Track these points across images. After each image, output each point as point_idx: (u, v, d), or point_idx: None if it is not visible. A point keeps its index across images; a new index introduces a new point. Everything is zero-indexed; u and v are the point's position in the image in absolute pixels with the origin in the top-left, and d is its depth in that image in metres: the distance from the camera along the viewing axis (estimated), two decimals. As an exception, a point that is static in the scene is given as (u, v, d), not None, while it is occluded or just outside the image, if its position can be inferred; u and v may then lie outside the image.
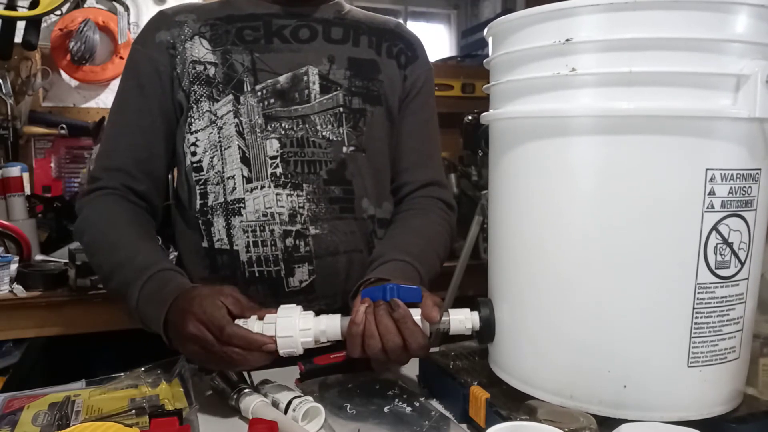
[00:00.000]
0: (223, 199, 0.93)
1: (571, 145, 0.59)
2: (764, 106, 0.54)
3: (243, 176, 0.92)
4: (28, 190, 1.88)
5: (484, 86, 0.72)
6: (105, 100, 2.42)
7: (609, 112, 0.57)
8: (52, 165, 2.14)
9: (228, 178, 0.93)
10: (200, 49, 0.94)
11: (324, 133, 0.94)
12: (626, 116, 0.56)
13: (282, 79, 0.93)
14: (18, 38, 1.93)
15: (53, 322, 1.47)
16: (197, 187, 0.95)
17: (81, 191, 0.96)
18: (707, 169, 0.56)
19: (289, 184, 0.91)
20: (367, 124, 0.97)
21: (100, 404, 0.69)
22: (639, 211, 0.57)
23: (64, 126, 2.07)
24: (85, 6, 2.17)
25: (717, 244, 0.57)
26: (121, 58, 2.31)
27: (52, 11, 1.92)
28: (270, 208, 0.91)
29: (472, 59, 2.61)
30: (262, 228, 0.91)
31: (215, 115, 0.93)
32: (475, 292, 1.85)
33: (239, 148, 0.92)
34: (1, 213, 1.66)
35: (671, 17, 0.54)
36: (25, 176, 1.85)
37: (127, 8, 2.28)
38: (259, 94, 0.93)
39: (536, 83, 0.61)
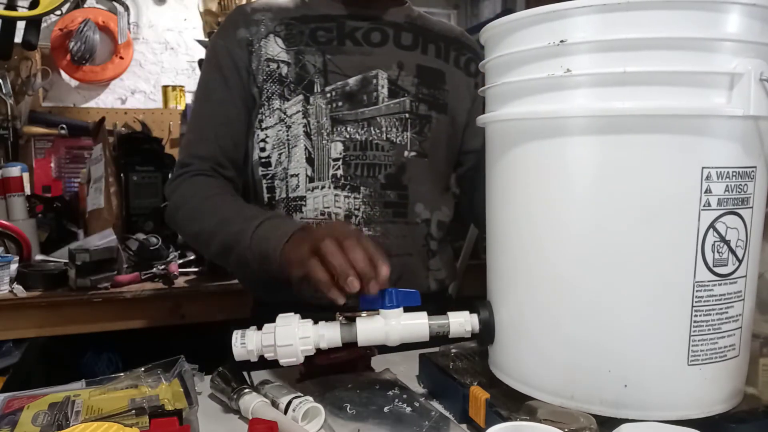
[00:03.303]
0: (285, 195, 0.96)
1: (567, 146, 0.59)
2: (758, 104, 0.54)
3: (307, 175, 0.95)
4: (28, 190, 1.88)
5: (480, 89, 0.72)
6: (105, 100, 2.42)
7: (604, 112, 0.57)
8: (52, 165, 2.15)
9: (292, 175, 0.96)
10: (274, 48, 0.96)
11: (388, 136, 0.96)
12: (621, 116, 0.56)
13: (351, 81, 0.96)
14: (18, 38, 1.94)
15: (53, 322, 1.46)
16: (264, 182, 0.98)
17: (170, 177, 1.01)
18: (703, 167, 0.56)
19: (348, 186, 0.94)
20: (431, 130, 0.99)
21: (100, 404, 0.69)
22: (636, 210, 0.57)
23: (64, 126, 2.07)
24: (85, 6, 2.17)
25: (714, 242, 0.57)
26: (121, 58, 2.32)
27: (52, 11, 1.92)
28: (328, 207, 0.94)
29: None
30: (319, 226, 0.92)
31: (285, 113, 0.96)
32: (474, 292, 1.84)
33: (305, 148, 0.95)
34: (1, 213, 1.67)
35: (664, 17, 0.54)
36: (25, 176, 1.86)
37: (127, 8, 2.29)
38: (329, 95, 0.95)
39: (531, 85, 0.61)
